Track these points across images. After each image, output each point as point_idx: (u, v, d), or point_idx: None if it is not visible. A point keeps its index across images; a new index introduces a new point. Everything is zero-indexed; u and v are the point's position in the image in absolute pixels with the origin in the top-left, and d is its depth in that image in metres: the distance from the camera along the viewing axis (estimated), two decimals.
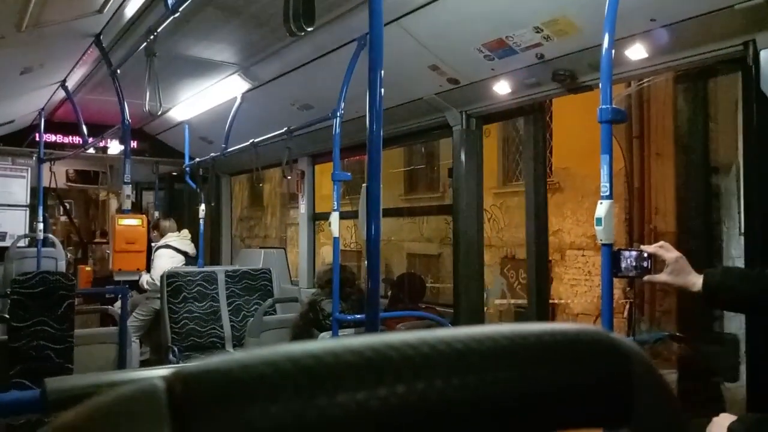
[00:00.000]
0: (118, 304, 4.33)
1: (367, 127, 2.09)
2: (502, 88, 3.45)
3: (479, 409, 0.27)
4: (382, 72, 2.22)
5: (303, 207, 5.92)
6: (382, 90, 2.23)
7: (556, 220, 8.06)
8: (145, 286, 5.63)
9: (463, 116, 3.88)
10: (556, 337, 0.31)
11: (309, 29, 2.26)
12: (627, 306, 6.16)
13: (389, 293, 4.93)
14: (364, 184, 2.54)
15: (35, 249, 6.44)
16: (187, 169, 6.28)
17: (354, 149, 4.45)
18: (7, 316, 3.80)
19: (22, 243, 6.77)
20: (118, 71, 4.19)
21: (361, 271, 6.20)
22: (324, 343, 0.27)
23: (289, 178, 5.73)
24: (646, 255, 1.67)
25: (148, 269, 5.55)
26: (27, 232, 7.02)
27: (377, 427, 0.25)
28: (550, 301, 8.52)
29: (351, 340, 0.27)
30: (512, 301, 7.94)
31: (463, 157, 3.89)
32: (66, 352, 3.85)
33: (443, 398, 0.26)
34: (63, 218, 10.12)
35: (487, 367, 0.28)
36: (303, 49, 4.02)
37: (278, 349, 0.26)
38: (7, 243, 6.69)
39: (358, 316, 3.47)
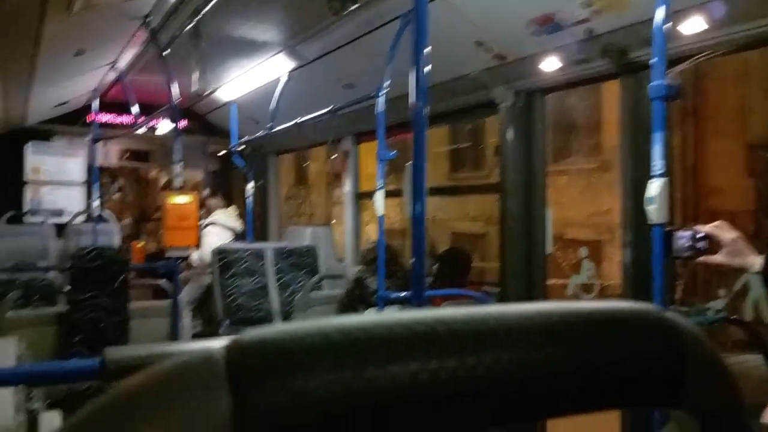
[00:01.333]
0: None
1: (412, 105, 2.08)
2: (549, 64, 3.37)
3: (530, 386, 0.27)
4: (427, 49, 2.20)
5: (347, 186, 5.96)
6: (427, 67, 2.21)
7: (607, 199, 7.88)
8: (195, 263, 5.79)
9: (511, 93, 3.81)
10: (608, 314, 0.31)
11: (353, 7, 2.25)
12: (680, 287, 6.00)
13: (435, 269, 4.93)
14: (408, 163, 2.53)
15: (91, 225, 6.69)
16: (235, 147, 6.39)
17: (399, 128, 4.44)
18: (69, 287, 3.97)
19: (78, 220, 7.04)
20: (166, 52, 4.27)
21: (405, 249, 6.22)
22: (374, 316, 0.27)
23: (333, 157, 5.77)
24: (701, 235, 1.61)
25: (198, 245, 5.70)
26: (83, 209, 7.29)
27: (426, 400, 0.25)
28: (600, 283, 8.38)
29: (401, 314, 0.27)
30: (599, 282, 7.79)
31: (510, 134, 3.83)
32: (122, 324, 4.01)
33: (493, 373, 0.26)
34: (116, 196, 10.46)
35: (538, 343, 0.28)
36: (347, 27, 4.00)
37: (330, 322, 0.26)
38: (65, 220, 6.96)
39: (403, 293, 3.49)
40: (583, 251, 8.43)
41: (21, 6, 2.95)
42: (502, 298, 3.77)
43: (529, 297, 3.76)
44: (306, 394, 0.24)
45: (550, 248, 3.85)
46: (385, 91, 3.48)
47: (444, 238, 10.44)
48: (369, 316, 0.27)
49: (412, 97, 1.99)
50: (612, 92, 6.75)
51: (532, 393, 0.28)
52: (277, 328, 0.26)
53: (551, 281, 7.98)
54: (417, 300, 2.32)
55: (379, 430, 0.25)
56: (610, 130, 7.43)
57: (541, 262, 3.81)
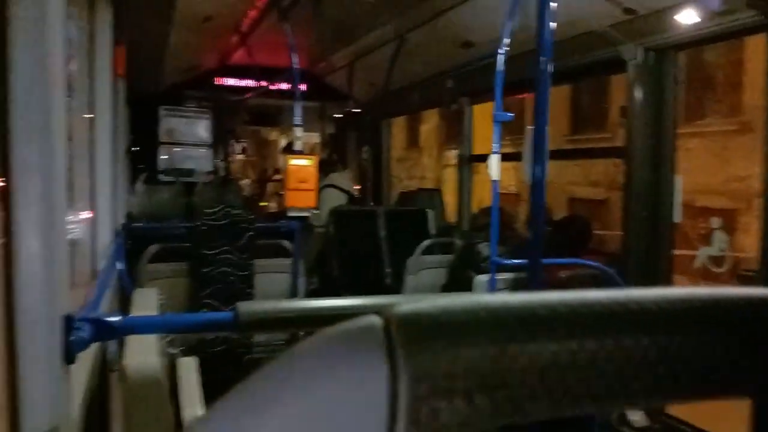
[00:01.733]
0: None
1: (536, 63, 1.99)
2: (686, 17, 3.09)
3: (666, 369, 0.28)
4: (554, 4, 2.09)
5: (461, 148, 5.88)
6: (553, 24, 2.10)
7: (744, 164, 7.21)
8: (314, 222, 6.01)
9: (640, 50, 3.54)
10: (743, 301, 0.30)
11: None
12: None
13: (550, 238, 4.78)
14: (528, 126, 2.44)
15: (217, 185, 7.13)
16: (351, 110, 6.49)
17: (514, 88, 4.29)
18: (199, 243, 4.26)
19: (207, 179, 7.51)
20: (287, 17, 4.37)
21: (517, 215, 6.08)
22: (520, 296, 0.28)
23: (445, 118, 5.70)
24: None
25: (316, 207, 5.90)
26: (211, 169, 7.75)
27: (563, 378, 0.27)
28: (733, 255, 7.74)
29: (545, 295, 0.28)
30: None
31: (639, 94, 3.58)
32: (248, 279, 4.27)
33: (631, 355, 0.27)
34: (240, 157, 11.03)
35: (679, 328, 0.28)
36: None
37: (478, 299, 0.28)
38: (195, 179, 7.44)
39: (517, 260, 3.42)
40: (715, 221, 7.81)
41: None
42: (625, 270, 3.59)
43: (654, 269, 3.55)
44: (453, 364, 0.26)
45: (678, 217, 3.60)
46: (504, 49, 3.35)
47: (561, 204, 10.07)
48: (515, 296, 0.28)
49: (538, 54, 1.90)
50: (757, 47, 6.10)
51: (666, 377, 0.28)
52: (430, 302, 0.27)
53: (678, 252, 7.51)
54: (533, 267, 2.26)
55: (516, 403, 0.27)
56: (752, 88, 6.74)
57: (668, 233, 3.57)
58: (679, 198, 3.58)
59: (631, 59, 3.59)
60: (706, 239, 7.87)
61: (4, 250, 1.03)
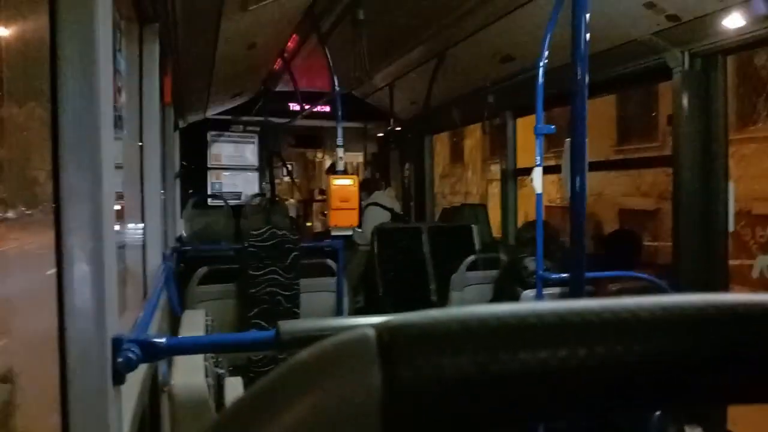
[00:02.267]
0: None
1: (572, 75, 1.97)
2: (733, 21, 3.00)
3: (658, 376, 0.29)
4: (588, 15, 2.07)
5: (504, 162, 5.83)
6: (588, 35, 2.08)
7: None
8: (358, 241, 6.05)
9: (686, 56, 3.46)
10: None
11: None
12: None
13: (603, 251, 4.67)
14: (567, 139, 2.41)
15: (265, 206, 7.26)
16: (392, 129, 6.52)
17: (558, 100, 4.24)
18: (247, 264, 4.34)
19: (254, 201, 7.66)
20: (328, 41, 4.46)
21: (567, 228, 5.96)
22: (512, 305, 0.29)
23: (487, 133, 5.68)
24: None
25: (359, 225, 5.94)
26: (257, 192, 7.91)
27: (554, 385, 0.28)
28: None
29: (535, 304, 0.29)
30: None
31: (686, 101, 3.48)
32: (293, 298, 4.33)
33: (621, 363, 0.28)
34: (286, 179, 11.23)
35: (672, 334, 0.29)
36: None
37: (468, 309, 0.29)
38: (242, 202, 7.61)
39: (563, 275, 3.35)
40: None
41: (200, 6, 3.26)
42: (676, 281, 3.47)
43: (708, 279, 3.42)
44: (444, 372, 0.27)
45: (732, 226, 3.47)
46: (544, 61, 3.33)
47: (610, 215, 9.82)
48: (506, 306, 0.29)
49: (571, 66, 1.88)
50: None
51: (662, 383, 0.29)
52: (421, 313, 0.29)
53: (737, 262, 7.21)
54: (577, 282, 2.22)
55: (509, 408, 0.28)
56: None
57: (722, 242, 3.44)
58: (732, 206, 3.45)
59: (677, 66, 3.51)
60: (766, 247, 7.54)
61: (56, 275, 1.08)
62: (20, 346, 1.33)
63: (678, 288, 3.38)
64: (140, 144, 2.69)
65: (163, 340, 1.31)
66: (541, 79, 3.36)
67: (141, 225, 2.71)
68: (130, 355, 1.20)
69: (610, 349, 0.28)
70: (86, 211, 1.06)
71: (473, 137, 13.61)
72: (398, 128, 7.23)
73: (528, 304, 0.29)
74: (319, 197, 11.25)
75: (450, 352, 0.27)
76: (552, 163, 4.43)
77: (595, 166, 5.33)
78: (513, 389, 0.28)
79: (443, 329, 0.28)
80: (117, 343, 1.15)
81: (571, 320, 0.28)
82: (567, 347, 0.28)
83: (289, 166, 9.87)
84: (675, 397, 0.30)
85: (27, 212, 1.36)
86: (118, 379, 1.16)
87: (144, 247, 2.67)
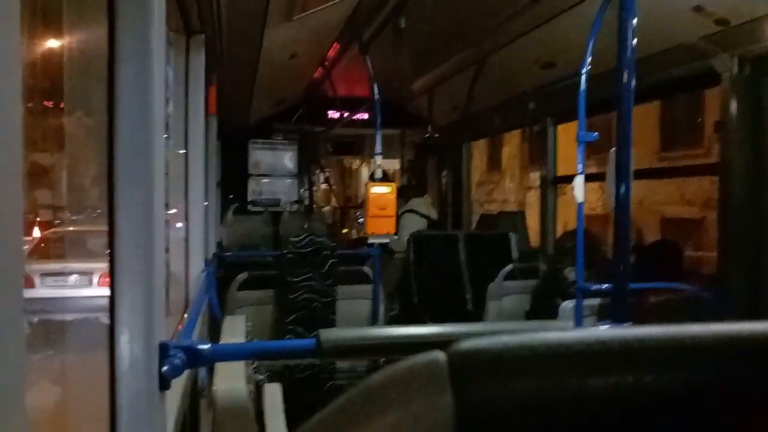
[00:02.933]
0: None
1: (618, 81, 1.93)
2: None
3: (720, 402, 0.29)
4: (635, 20, 2.03)
5: (544, 170, 5.76)
6: (635, 40, 2.04)
7: None
8: (394, 248, 6.04)
9: (735, 61, 3.36)
10: None
11: None
12: None
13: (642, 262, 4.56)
14: (613, 149, 2.37)
15: (303, 213, 7.32)
16: (430, 136, 6.51)
17: (601, 106, 4.17)
18: (285, 271, 4.38)
19: (293, 208, 7.74)
20: (368, 49, 4.49)
21: (608, 238, 5.84)
22: (576, 332, 0.30)
23: (527, 140, 5.62)
24: None
25: (396, 233, 5.93)
26: (296, 198, 7.99)
27: (621, 409, 0.28)
28: None
29: (599, 331, 0.30)
30: None
31: (734, 107, 3.38)
32: (330, 305, 4.35)
33: (687, 388, 0.29)
34: (324, 186, 11.33)
35: (735, 362, 0.29)
36: (546, 5, 3.85)
37: (536, 335, 0.30)
38: (281, 209, 7.69)
39: (604, 285, 3.28)
40: None
41: (245, 17, 3.32)
42: (722, 294, 3.36)
43: (757, 293, 3.30)
44: (514, 395, 0.28)
45: None
46: (587, 68, 3.28)
47: (651, 224, 9.58)
48: (571, 333, 0.30)
49: (618, 73, 1.85)
50: None
51: (725, 408, 0.29)
52: (491, 339, 0.29)
53: None
54: (619, 292, 2.17)
55: (576, 430, 0.28)
56: None
57: None
58: None
59: (725, 71, 3.41)
60: None
61: (109, 281, 1.11)
62: None
63: (722, 300, 3.28)
64: (184, 152, 2.74)
65: (207, 346, 1.33)
66: (583, 86, 3.32)
67: (184, 231, 2.76)
68: (176, 361, 1.21)
69: (675, 375, 0.29)
70: (138, 222, 1.09)
71: (511, 144, 13.47)
72: (436, 135, 7.21)
73: (593, 330, 0.30)
74: (356, 205, 11.29)
75: (519, 377, 0.28)
76: (593, 170, 4.34)
77: (640, 175, 5.21)
78: (579, 414, 0.28)
79: (513, 354, 0.28)
80: (164, 349, 1.17)
81: (636, 347, 0.29)
82: (632, 373, 0.28)
83: (327, 173, 9.94)
84: (741, 420, 0.30)
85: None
86: (165, 384, 1.18)
87: (187, 253, 2.73)
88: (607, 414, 0.28)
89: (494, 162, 15.79)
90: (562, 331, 0.30)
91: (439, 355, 0.29)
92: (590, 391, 0.28)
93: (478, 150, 12.21)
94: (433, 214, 6.92)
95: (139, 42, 1.06)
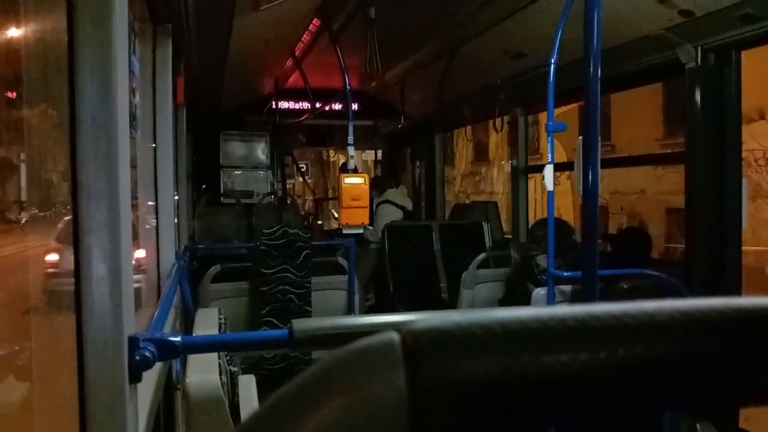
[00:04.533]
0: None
1: (584, 71, 1.96)
2: (746, 19, 2.97)
3: (677, 377, 0.29)
4: (599, 11, 2.06)
5: (515, 160, 5.82)
6: (600, 31, 2.07)
7: None
8: (370, 239, 6.05)
9: (698, 51, 3.43)
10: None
11: None
12: None
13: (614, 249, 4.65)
14: (580, 136, 2.41)
15: (277, 205, 7.28)
16: (403, 127, 6.52)
17: (570, 96, 4.22)
18: (259, 263, 4.37)
19: (266, 200, 7.68)
20: (339, 39, 4.47)
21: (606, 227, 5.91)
22: (532, 309, 0.30)
23: (499, 130, 5.67)
24: None
25: (370, 223, 5.94)
26: (269, 190, 7.93)
27: (576, 387, 0.29)
28: None
29: (557, 309, 0.30)
30: None
31: (697, 97, 3.46)
32: (305, 296, 4.34)
33: (641, 365, 0.29)
34: (298, 178, 11.25)
35: (691, 337, 0.29)
36: None
37: (490, 313, 0.30)
38: (254, 201, 7.63)
39: (575, 272, 3.35)
40: None
41: (213, 6, 3.28)
42: (688, 278, 3.45)
43: (721, 276, 3.39)
44: (468, 375, 0.27)
45: (745, 222, 3.44)
46: (554, 58, 3.32)
47: (656, 214, 9.59)
48: (526, 310, 0.30)
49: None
50: None
51: (681, 384, 0.30)
52: (444, 317, 0.29)
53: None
54: (589, 279, 2.21)
55: (531, 410, 0.28)
56: None
57: (735, 239, 3.42)
58: (745, 202, 3.42)
59: (689, 62, 3.48)
60: None
61: (74, 274, 1.09)
62: None
63: (690, 286, 3.36)
64: (153, 144, 2.71)
65: (178, 338, 1.33)
66: (552, 76, 3.36)
67: (155, 223, 2.73)
68: (147, 353, 1.21)
69: (630, 352, 0.29)
70: (103, 211, 1.07)
71: (499, 134, 13.51)
72: (409, 126, 7.23)
73: (549, 308, 0.30)
74: (332, 197, 11.25)
75: (473, 356, 0.28)
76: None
77: (607, 163, 5.29)
78: (535, 392, 0.28)
79: (466, 333, 0.28)
80: (133, 342, 1.17)
81: (591, 324, 0.29)
82: (588, 350, 0.28)
83: (303, 166, 9.88)
84: (693, 397, 0.31)
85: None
86: (135, 377, 1.17)
87: (158, 245, 2.70)
88: (561, 391, 0.28)
89: (481, 153, 15.69)
90: (518, 310, 0.30)
91: (393, 335, 0.28)
92: (546, 369, 0.28)
93: (464, 139, 12.15)
94: (409, 205, 6.95)
95: (99, 28, 1.05)
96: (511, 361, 0.28)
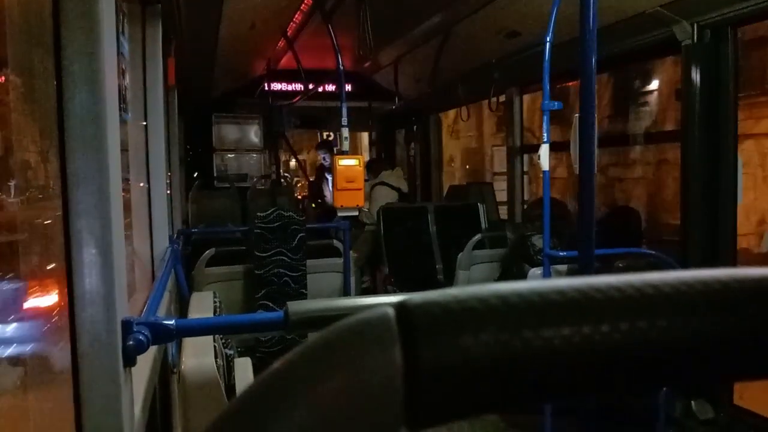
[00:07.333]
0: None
1: (580, 50, 1.94)
2: None
3: (679, 352, 0.28)
4: None
5: (510, 139, 5.79)
6: (596, 8, 2.04)
7: None
8: (365, 221, 6.05)
9: (694, 28, 3.40)
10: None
11: None
12: None
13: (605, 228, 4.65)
14: (576, 114, 2.39)
15: (271, 188, 7.25)
16: (398, 108, 6.48)
17: (566, 75, 4.19)
18: (253, 246, 4.36)
19: (260, 183, 7.65)
20: (332, 18, 4.41)
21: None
22: (531, 282, 0.29)
23: (493, 110, 5.64)
24: None
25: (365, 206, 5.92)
26: (263, 173, 7.90)
27: (579, 362, 0.27)
28: None
29: (556, 281, 0.29)
30: None
31: (693, 74, 3.44)
32: (300, 279, 4.34)
33: (644, 339, 0.28)
34: (292, 160, 11.19)
35: (696, 311, 0.28)
36: None
37: (488, 287, 0.28)
38: (248, 184, 7.60)
39: (571, 252, 3.34)
40: None
41: None
42: (684, 256, 3.46)
43: (715, 254, 3.40)
44: (465, 350, 0.26)
45: (740, 200, 3.44)
46: (550, 36, 3.28)
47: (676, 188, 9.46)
48: (526, 283, 0.29)
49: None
50: None
51: (680, 359, 0.29)
52: (441, 292, 0.28)
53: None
54: (585, 259, 2.21)
55: (530, 386, 0.27)
56: None
57: (730, 216, 3.42)
58: (740, 180, 3.42)
59: (685, 39, 3.45)
60: None
61: (64, 259, 1.08)
62: None
63: (685, 264, 3.37)
64: (145, 126, 2.68)
65: (172, 322, 1.32)
66: (547, 55, 3.32)
67: (147, 207, 2.71)
68: (141, 337, 1.20)
69: (633, 325, 0.28)
70: (93, 195, 1.06)
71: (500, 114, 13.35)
72: (404, 106, 7.18)
73: (549, 281, 0.29)
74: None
75: (471, 331, 0.27)
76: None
77: (604, 142, 5.27)
78: (535, 367, 0.27)
79: (463, 307, 0.27)
80: (127, 326, 1.16)
81: (593, 296, 0.28)
82: (590, 323, 0.27)
83: (296, 147, 9.80)
84: (694, 373, 0.29)
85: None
86: (129, 361, 1.16)
87: (150, 229, 2.68)
88: (563, 366, 0.27)
89: (482, 132, 15.51)
90: (517, 283, 0.29)
91: (388, 310, 0.27)
92: (546, 344, 0.27)
93: (466, 121, 12.02)
94: (404, 187, 6.93)
95: (86, 9, 1.02)
96: (510, 336, 0.27)
